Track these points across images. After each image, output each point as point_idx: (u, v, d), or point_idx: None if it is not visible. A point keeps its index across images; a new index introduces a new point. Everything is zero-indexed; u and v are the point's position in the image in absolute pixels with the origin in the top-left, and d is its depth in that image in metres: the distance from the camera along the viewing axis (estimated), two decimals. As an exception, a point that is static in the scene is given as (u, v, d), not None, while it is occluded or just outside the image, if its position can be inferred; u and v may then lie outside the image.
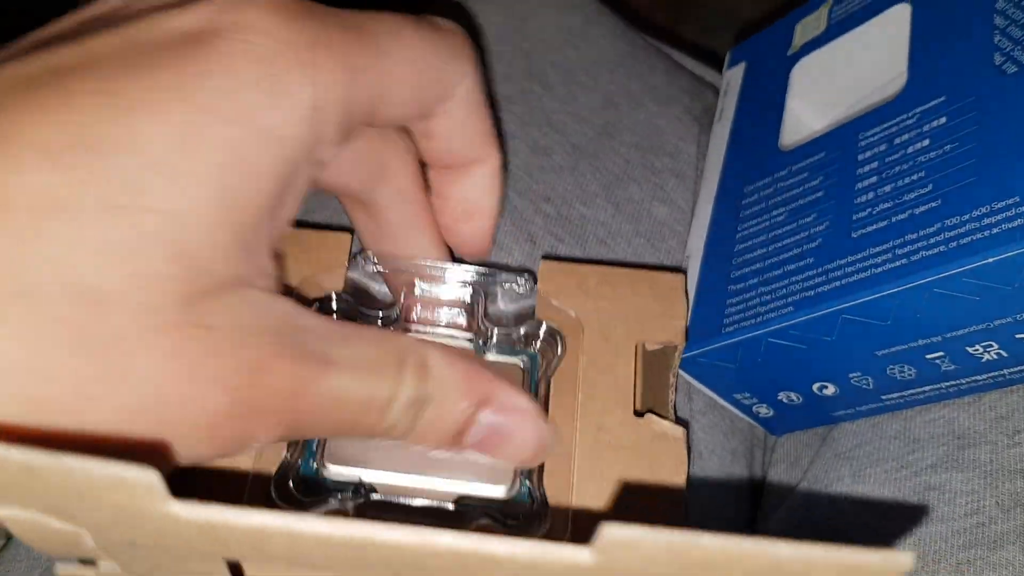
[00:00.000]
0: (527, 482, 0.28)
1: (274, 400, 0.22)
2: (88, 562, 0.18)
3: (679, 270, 0.34)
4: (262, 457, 0.28)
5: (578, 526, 0.28)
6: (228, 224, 0.21)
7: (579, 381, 0.30)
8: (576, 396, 0.30)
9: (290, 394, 0.22)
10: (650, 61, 0.48)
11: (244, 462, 0.28)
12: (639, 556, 0.15)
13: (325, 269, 0.31)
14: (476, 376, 0.26)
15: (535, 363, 0.31)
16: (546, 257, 0.36)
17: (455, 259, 0.36)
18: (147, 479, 0.14)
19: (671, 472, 0.29)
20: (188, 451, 0.21)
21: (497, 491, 0.28)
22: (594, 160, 0.42)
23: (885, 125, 0.32)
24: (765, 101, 0.40)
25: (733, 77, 0.43)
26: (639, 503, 0.28)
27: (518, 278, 0.32)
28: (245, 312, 0.22)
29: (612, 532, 0.15)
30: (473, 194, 0.30)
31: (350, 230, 0.35)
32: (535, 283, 0.32)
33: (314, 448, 0.28)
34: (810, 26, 0.40)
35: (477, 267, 0.32)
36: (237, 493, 0.28)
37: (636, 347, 0.31)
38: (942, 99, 0.30)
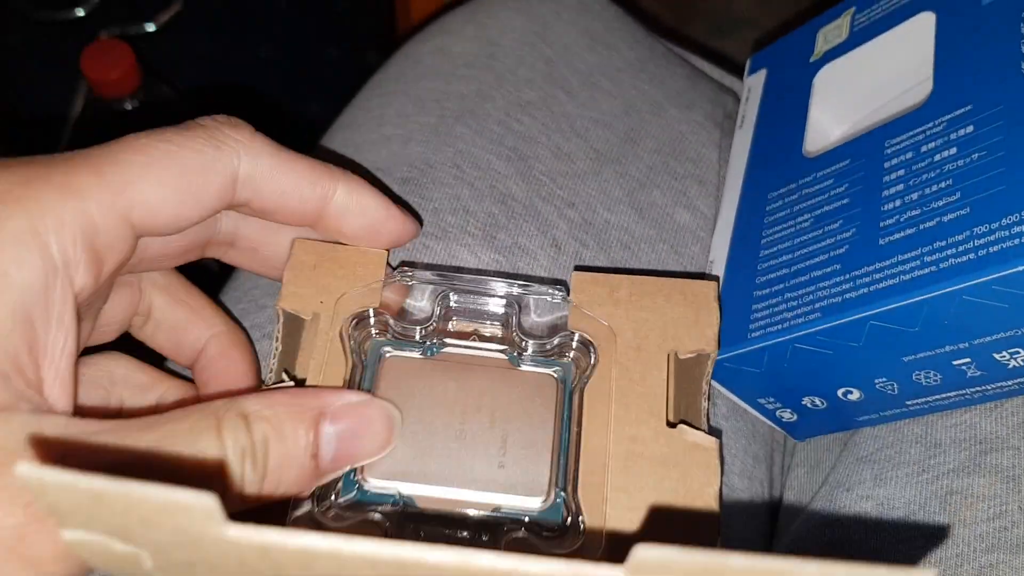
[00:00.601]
0: (562, 494, 0.29)
1: None
2: None
3: (711, 277, 0.34)
4: None
5: (612, 541, 0.28)
6: None
7: (612, 392, 0.31)
8: (609, 407, 0.30)
9: None
10: (671, 67, 0.48)
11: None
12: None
13: (362, 285, 0.32)
14: (300, 399, 0.26)
15: (568, 373, 0.31)
16: (578, 268, 0.37)
17: (489, 273, 0.36)
18: (205, 504, 0.15)
19: (703, 483, 0.29)
20: None
21: (532, 503, 0.29)
22: (617, 166, 0.43)
23: (911, 133, 0.32)
24: (788, 107, 0.40)
25: (754, 83, 0.44)
26: (673, 517, 0.29)
27: (551, 290, 0.32)
28: (6, 434, 0.22)
29: (644, 553, 0.15)
30: (352, 218, 0.31)
31: None
32: (568, 294, 0.33)
33: None
34: (832, 33, 0.40)
35: (510, 279, 0.33)
36: (282, 509, 0.28)
37: (668, 356, 0.32)
38: (969, 107, 0.31)
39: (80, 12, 0.93)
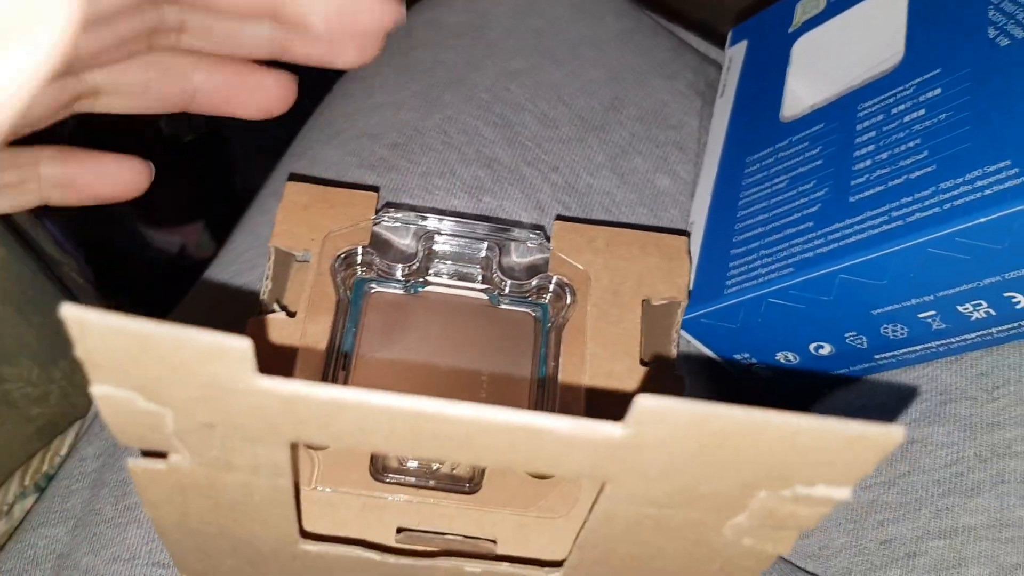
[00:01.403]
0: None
1: None
2: (158, 455, 0.20)
3: (683, 232, 0.36)
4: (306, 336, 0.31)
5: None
6: None
7: (588, 331, 0.32)
8: (585, 345, 0.32)
9: None
10: (655, 38, 0.50)
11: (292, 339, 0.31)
12: (669, 428, 0.17)
13: (352, 225, 0.33)
14: None
15: (546, 313, 0.33)
16: (559, 218, 0.38)
17: (472, 216, 0.37)
18: (243, 348, 0.16)
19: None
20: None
21: None
22: (600, 132, 0.44)
23: (883, 96, 0.34)
24: (766, 76, 0.41)
25: (735, 54, 0.45)
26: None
27: (531, 234, 0.34)
28: None
29: (645, 403, 0.16)
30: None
31: (376, 189, 0.37)
32: (547, 239, 0.34)
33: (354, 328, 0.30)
34: (810, 5, 0.41)
35: (492, 223, 0.34)
36: (287, 371, 0.29)
37: (642, 302, 0.33)
38: (938, 71, 0.32)
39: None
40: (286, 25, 0.27)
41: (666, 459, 0.21)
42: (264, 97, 0.31)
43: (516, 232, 0.34)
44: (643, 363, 0.32)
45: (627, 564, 0.24)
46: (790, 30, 0.42)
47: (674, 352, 0.34)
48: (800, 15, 0.42)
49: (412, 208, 0.39)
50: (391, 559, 0.25)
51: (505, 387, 0.31)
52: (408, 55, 0.47)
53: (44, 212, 0.76)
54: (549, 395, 0.31)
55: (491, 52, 0.46)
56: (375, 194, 0.34)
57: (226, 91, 0.30)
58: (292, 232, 0.33)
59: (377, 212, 0.34)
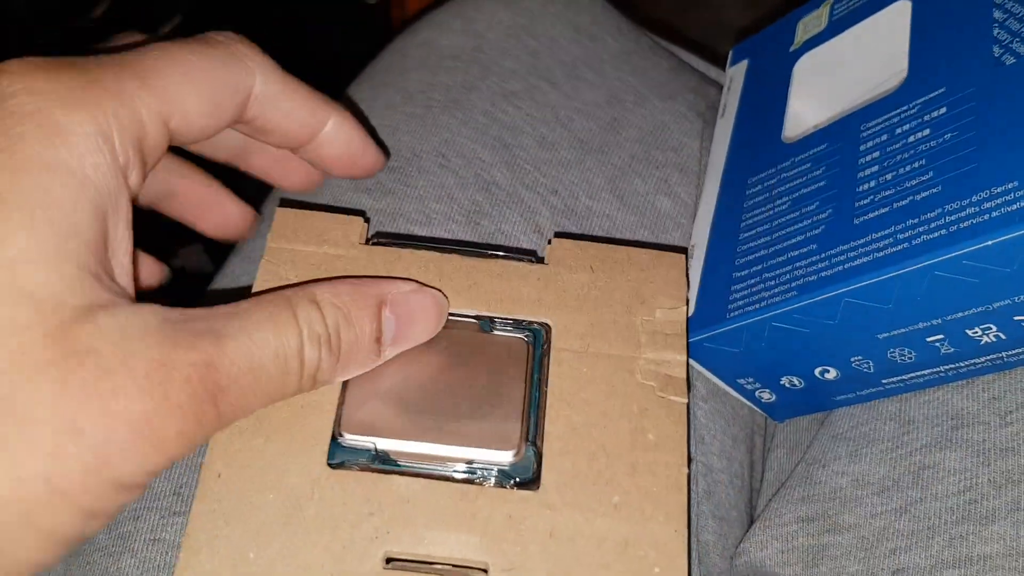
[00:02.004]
0: (532, 448, 0.30)
1: (190, 388, 0.24)
2: None
3: (681, 249, 0.35)
4: None
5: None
6: (64, 258, 0.23)
7: (585, 354, 0.32)
8: (580, 368, 0.31)
9: (202, 378, 0.24)
10: (655, 58, 0.49)
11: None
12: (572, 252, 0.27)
13: (339, 255, 0.33)
14: (362, 288, 0.29)
15: (539, 338, 0.32)
16: (558, 235, 0.38)
17: (462, 242, 0.37)
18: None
19: (673, 430, 0.30)
20: (139, 465, 0.23)
21: (504, 457, 0.29)
22: (600, 154, 0.43)
23: (886, 116, 0.33)
24: (768, 96, 0.41)
25: (736, 74, 0.44)
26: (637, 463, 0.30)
27: (523, 258, 0.33)
28: (117, 327, 0.23)
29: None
30: (335, 147, 0.33)
31: (363, 213, 0.37)
32: (539, 261, 0.33)
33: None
34: (812, 23, 0.41)
35: (483, 248, 0.33)
36: None
37: (638, 321, 0.32)
38: (942, 90, 0.32)
39: (83, 26, 0.93)
40: (303, 155, 0.33)
41: (575, 284, 0.32)
42: (226, 222, 0.37)
43: (507, 257, 0.33)
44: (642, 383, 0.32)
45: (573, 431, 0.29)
46: (792, 49, 0.41)
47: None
48: (802, 34, 0.41)
49: (399, 236, 0.39)
50: None
51: (498, 412, 0.30)
52: (404, 77, 0.46)
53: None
54: (541, 421, 0.30)
55: (487, 74, 0.45)
56: (362, 221, 0.34)
57: (198, 207, 0.36)
58: (280, 260, 0.32)
59: (368, 240, 0.33)
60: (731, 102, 0.43)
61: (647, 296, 0.33)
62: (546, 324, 0.32)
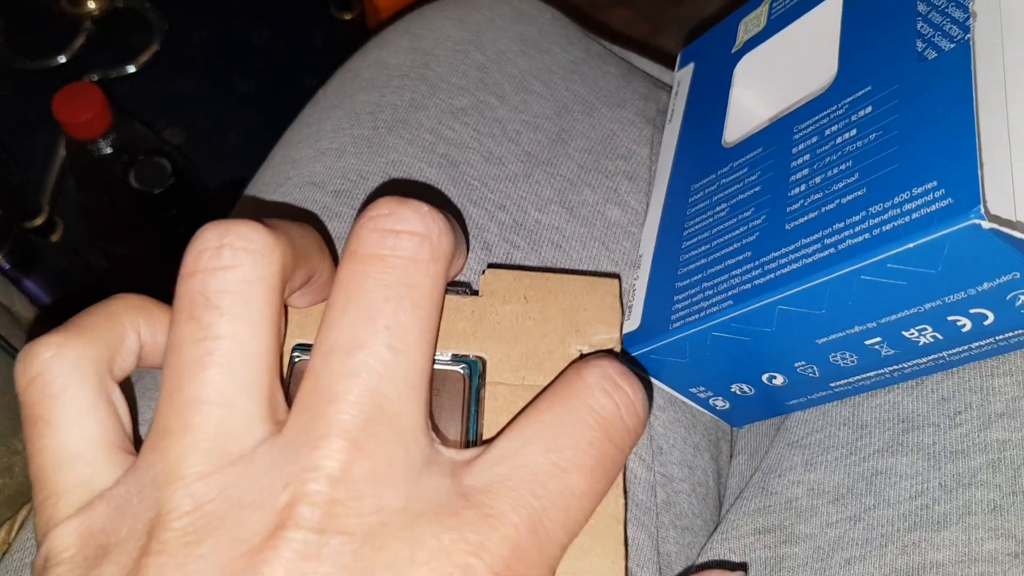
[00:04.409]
0: None
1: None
2: None
3: (614, 275, 0.34)
4: None
5: None
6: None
7: (520, 387, 0.31)
8: (515, 402, 0.30)
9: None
10: (604, 67, 0.49)
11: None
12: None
13: None
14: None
15: (475, 370, 0.31)
16: (492, 265, 0.37)
17: None
18: None
19: None
20: None
21: None
22: (548, 167, 0.43)
23: (817, 117, 0.33)
24: (711, 99, 0.40)
25: (683, 77, 0.44)
26: None
27: (457, 289, 0.33)
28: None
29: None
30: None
31: None
32: (474, 293, 0.33)
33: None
34: (752, 23, 0.40)
35: None
36: None
37: (573, 351, 0.32)
38: (868, 88, 0.31)
39: (62, 59, 0.94)
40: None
41: (508, 316, 0.32)
42: None
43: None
44: None
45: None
46: (733, 50, 0.40)
47: None
48: (743, 34, 0.40)
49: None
50: None
51: None
52: (354, 98, 0.46)
53: (25, 271, 0.76)
54: None
55: (435, 91, 0.45)
56: None
57: None
58: None
59: None
60: (678, 107, 0.43)
61: (581, 324, 0.32)
62: (481, 357, 0.32)
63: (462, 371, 0.31)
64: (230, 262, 0.24)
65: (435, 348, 0.25)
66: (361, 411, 0.23)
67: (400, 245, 0.24)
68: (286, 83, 0.97)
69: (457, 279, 0.37)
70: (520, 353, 0.31)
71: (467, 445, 0.30)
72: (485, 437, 0.30)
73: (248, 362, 0.24)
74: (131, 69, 0.95)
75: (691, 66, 0.44)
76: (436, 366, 0.31)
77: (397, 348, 0.23)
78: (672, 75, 0.52)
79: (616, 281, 0.33)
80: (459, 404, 0.31)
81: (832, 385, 0.34)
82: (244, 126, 0.95)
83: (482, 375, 0.31)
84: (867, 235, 0.28)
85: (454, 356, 0.31)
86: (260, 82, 0.97)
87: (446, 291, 0.32)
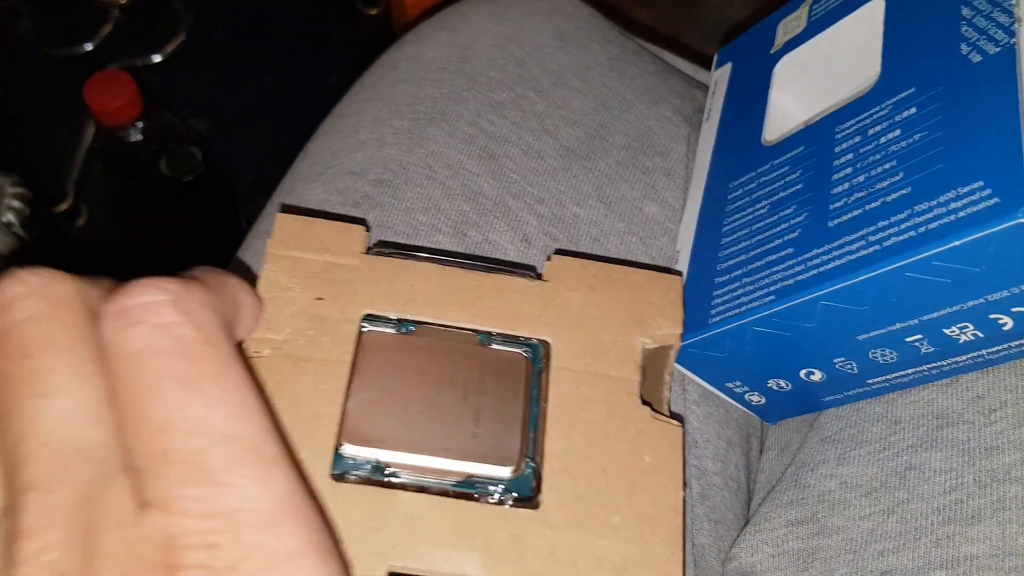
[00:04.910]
0: (532, 464, 0.30)
1: None
2: None
3: (676, 272, 0.35)
4: None
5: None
6: None
7: (584, 373, 0.31)
8: (580, 388, 0.31)
9: None
10: (641, 64, 0.49)
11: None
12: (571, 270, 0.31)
13: (339, 263, 0.32)
14: None
15: (537, 354, 0.32)
16: (559, 251, 0.38)
17: (462, 255, 0.37)
18: None
19: (668, 457, 0.30)
20: None
21: (503, 472, 0.29)
22: (586, 162, 0.43)
23: (860, 117, 0.33)
24: (750, 99, 0.41)
25: (720, 77, 0.44)
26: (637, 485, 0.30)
27: (522, 272, 0.33)
28: None
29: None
30: None
31: (364, 222, 0.36)
32: (538, 277, 0.33)
33: None
34: (791, 24, 0.41)
35: (482, 262, 0.33)
36: None
37: (637, 343, 0.32)
38: (912, 90, 0.32)
39: (88, 47, 0.95)
40: None
41: (574, 303, 0.33)
42: None
43: (506, 271, 0.33)
44: (644, 402, 0.31)
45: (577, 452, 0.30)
46: (772, 51, 0.41)
47: (666, 396, 0.33)
48: (782, 35, 0.41)
49: (402, 247, 0.39)
50: None
51: (497, 428, 0.30)
52: (392, 90, 0.47)
53: (53, 254, 0.77)
54: (541, 437, 0.30)
55: (474, 84, 0.45)
56: (363, 229, 0.33)
57: None
58: (280, 268, 0.32)
59: (369, 249, 0.33)
60: (715, 106, 0.43)
61: (645, 317, 0.33)
62: (545, 341, 0.32)
63: (524, 354, 0.32)
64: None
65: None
66: (40, 458, 0.21)
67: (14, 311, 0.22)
68: (309, 77, 0.98)
69: (522, 265, 0.38)
70: (584, 340, 0.32)
71: (529, 426, 0.30)
72: (548, 420, 0.30)
73: None
74: (157, 59, 0.95)
75: (728, 66, 0.44)
76: (498, 347, 0.32)
77: (41, 392, 0.21)
78: (706, 74, 0.53)
79: (679, 278, 0.34)
80: (521, 386, 0.31)
81: (869, 382, 0.34)
82: (266, 119, 0.95)
83: (545, 358, 0.32)
84: (912, 232, 0.28)
85: (514, 338, 0.32)
86: (283, 76, 0.97)
87: (513, 272, 0.33)
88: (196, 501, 0.19)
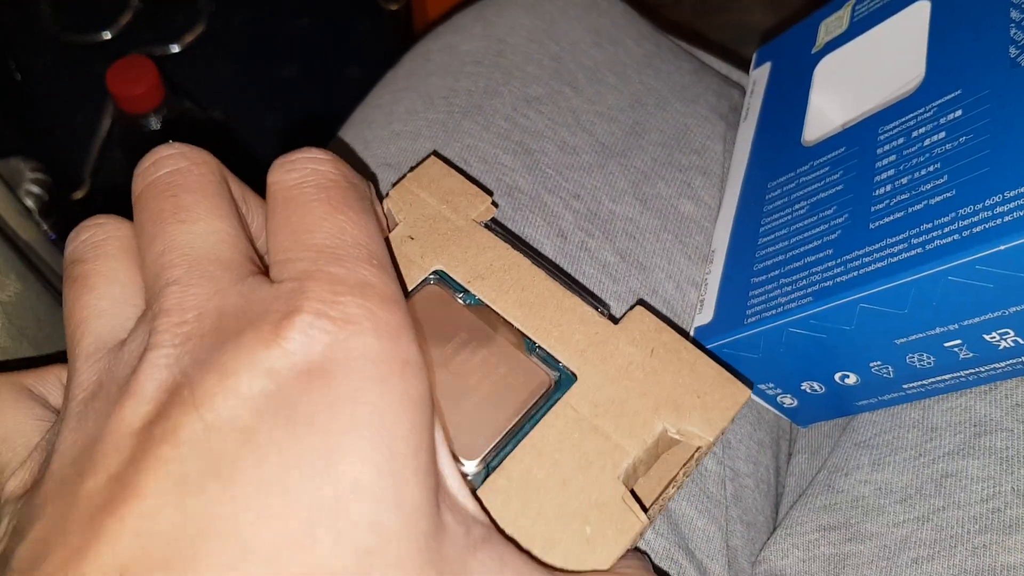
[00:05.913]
0: (485, 472, 0.29)
1: None
2: None
3: (749, 384, 0.33)
4: None
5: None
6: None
7: (585, 421, 0.30)
8: (571, 431, 0.29)
9: None
10: (676, 61, 0.49)
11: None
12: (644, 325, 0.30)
13: (457, 224, 0.33)
14: None
15: (565, 383, 0.30)
16: (641, 302, 0.37)
17: (555, 267, 0.36)
18: None
19: (612, 539, 0.28)
20: None
21: (467, 466, 0.29)
22: (622, 158, 0.43)
23: (903, 119, 0.33)
24: (789, 99, 0.40)
25: (759, 76, 0.44)
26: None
27: (594, 303, 0.32)
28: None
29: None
30: None
31: (491, 193, 0.36)
32: (612, 318, 0.32)
33: None
34: (833, 25, 0.40)
35: (566, 279, 0.32)
36: None
37: (659, 425, 0.30)
38: (958, 92, 0.31)
39: (107, 35, 0.95)
40: None
41: (624, 357, 0.31)
42: None
43: (582, 295, 0.32)
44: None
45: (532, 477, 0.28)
46: (813, 51, 0.41)
47: (667, 492, 0.31)
48: (823, 35, 0.41)
49: (509, 232, 0.39)
50: None
51: (483, 424, 0.29)
52: (426, 82, 0.47)
53: (62, 237, 0.77)
54: (511, 454, 0.29)
55: (509, 78, 0.45)
56: (489, 200, 0.33)
57: None
58: (402, 201, 0.33)
59: (485, 223, 0.33)
60: (754, 105, 0.43)
61: (685, 407, 0.30)
62: (576, 375, 0.30)
63: (553, 377, 0.30)
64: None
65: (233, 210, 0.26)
66: (182, 263, 0.24)
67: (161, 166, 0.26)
68: (327, 71, 0.98)
69: (600, 300, 0.37)
70: (609, 394, 0.30)
71: (509, 439, 0.29)
72: (524, 443, 0.29)
73: None
74: (175, 48, 0.96)
75: (767, 65, 0.44)
76: (535, 360, 0.31)
77: (184, 219, 0.25)
78: (739, 74, 0.53)
79: (748, 392, 0.30)
80: (530, 401, 0.30)
81: (905, 387, 0.34)
82: (284, 111, 0.96)
83: (567, 391, 0.30)
84: (956, 236, 0.28)
85: (555, 359, 0.31)
86: (301, 68, 0.98)
87: (586, 299, 0.32)
88: (327, 273, 0.23)
